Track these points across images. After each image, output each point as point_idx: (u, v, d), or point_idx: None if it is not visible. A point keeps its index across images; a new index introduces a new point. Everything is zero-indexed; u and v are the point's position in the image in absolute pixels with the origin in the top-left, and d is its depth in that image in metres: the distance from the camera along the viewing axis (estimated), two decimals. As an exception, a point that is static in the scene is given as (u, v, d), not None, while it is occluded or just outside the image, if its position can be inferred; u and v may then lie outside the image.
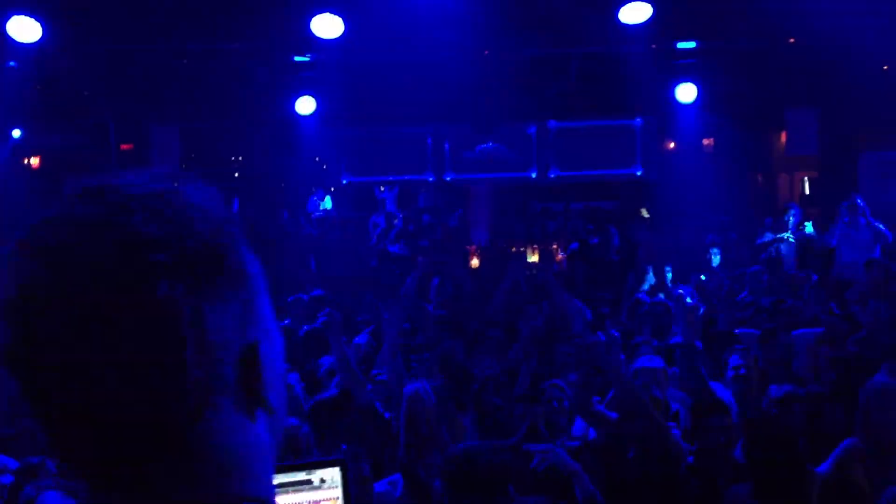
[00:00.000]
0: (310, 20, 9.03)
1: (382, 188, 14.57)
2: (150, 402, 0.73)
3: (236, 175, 14.78)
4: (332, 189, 14.22)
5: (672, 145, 15.24)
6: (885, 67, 10.80)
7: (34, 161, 13.10)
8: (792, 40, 10.24)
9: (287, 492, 2.15)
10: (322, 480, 2.19)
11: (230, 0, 9.14)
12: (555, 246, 12.85)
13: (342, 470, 2.20)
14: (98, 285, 0.72)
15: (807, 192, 15.15)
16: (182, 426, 0.75)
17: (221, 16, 9.20)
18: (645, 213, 13.84)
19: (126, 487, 0.76)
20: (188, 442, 0.76)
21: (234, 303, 0.78)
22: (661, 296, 8.45)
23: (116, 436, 0.73)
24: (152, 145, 11.71)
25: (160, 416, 0.74)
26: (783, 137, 13.54)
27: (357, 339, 6.87)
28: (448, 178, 13.84)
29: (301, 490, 2.18)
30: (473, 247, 12.98)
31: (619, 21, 9.19)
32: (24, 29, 8.55)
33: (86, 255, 0.72)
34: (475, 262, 12.41)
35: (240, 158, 15.08)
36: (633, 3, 9.03)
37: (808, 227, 10.63)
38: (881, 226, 9.33)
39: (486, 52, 10.52)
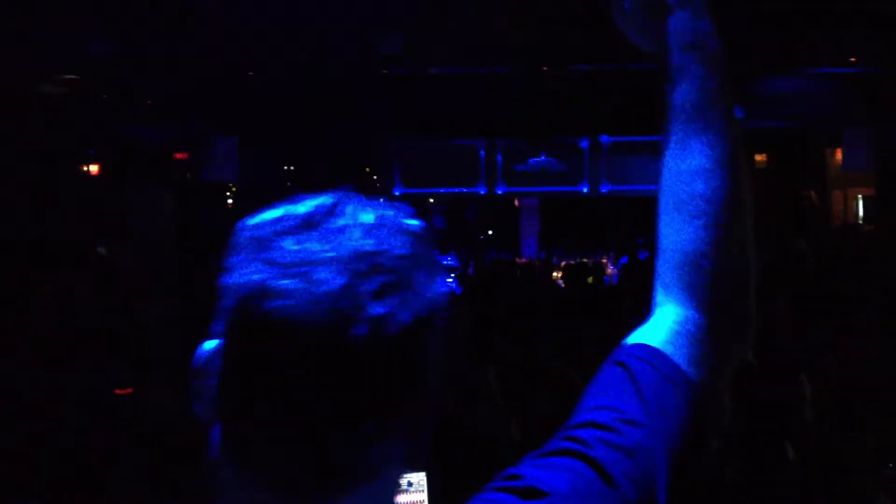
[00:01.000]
0: (371, 34, 9.18)
1: (432, 200, 14.70)
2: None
3: (288, 184, 15.00)
4: (384, 200, 14.33)
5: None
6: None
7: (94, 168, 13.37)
8: (853, 59, 10.18)
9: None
10: (409, 483, 2.27)
11: (287, 16, 9.30)
12: (604, 259, 12.86)
13: (427, 475, 2.28)
14: None
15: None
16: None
17: (280, 30, 9.38)
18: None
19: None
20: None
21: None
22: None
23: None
24: (212, 154, 11.92)
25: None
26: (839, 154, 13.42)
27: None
28: (500, 192, 13.92)
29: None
30: (523, 260, 13.04)
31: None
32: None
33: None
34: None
35: (292, 168, 15.30)
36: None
37: None
38: None
39: (545, 69, 10.59)
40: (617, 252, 12.86)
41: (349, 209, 0.83)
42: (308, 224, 0.81)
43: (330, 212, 0.83)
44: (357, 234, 0.80)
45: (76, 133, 10.66)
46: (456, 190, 14.12)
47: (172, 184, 12.07)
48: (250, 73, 10.46)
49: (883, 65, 9.98)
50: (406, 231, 0.83)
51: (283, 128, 12.28)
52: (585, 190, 13.81)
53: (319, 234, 0.80)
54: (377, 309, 0.76)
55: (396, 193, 14.14)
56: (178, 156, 12.65)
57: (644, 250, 12.24)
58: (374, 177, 15.40)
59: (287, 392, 0.76)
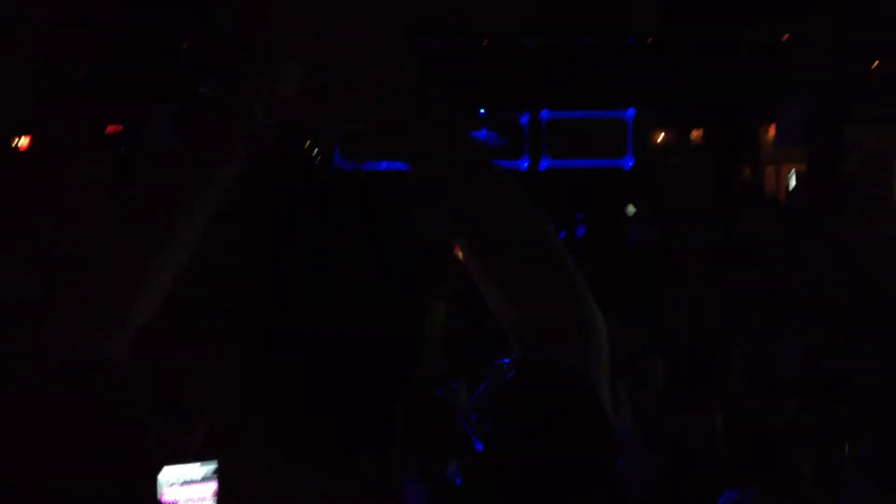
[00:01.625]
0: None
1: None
2: None
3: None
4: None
5: (661, 137, 15.34)
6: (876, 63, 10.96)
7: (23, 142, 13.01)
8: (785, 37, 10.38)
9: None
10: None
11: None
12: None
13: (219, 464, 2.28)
14: None
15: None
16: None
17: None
18: (631, 209, 13.94)
19: None
20: None
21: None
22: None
23: None
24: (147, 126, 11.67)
25: None
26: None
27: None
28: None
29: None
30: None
31: (613, 12, 9.29)
32: None
33: None
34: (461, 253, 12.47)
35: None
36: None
37: None
38: None
39: (485, 42, 10.59)
40: (556, 227, 12.95)
41: None
42: None
43: None
44: None
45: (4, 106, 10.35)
46: (395, 164, 14.03)
47: (105, 157, 11.79)
48: (185, 46, 10.28)
49: (816, 40, 10.19)
50: None
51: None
52: (525, 165, 13.86)
53: None
54: None
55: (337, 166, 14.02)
56: (112, 128, 12.36)
57: (583, 225, 12.39)
58: (315, 149, 15.22)
59: None
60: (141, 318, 0.93)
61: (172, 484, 2.31)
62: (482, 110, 12.28)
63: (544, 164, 13.80)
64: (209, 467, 2.31)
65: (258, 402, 0.75)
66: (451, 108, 1.00)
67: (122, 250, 0.92)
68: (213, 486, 2.07)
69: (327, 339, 0.74)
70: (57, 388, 0.83)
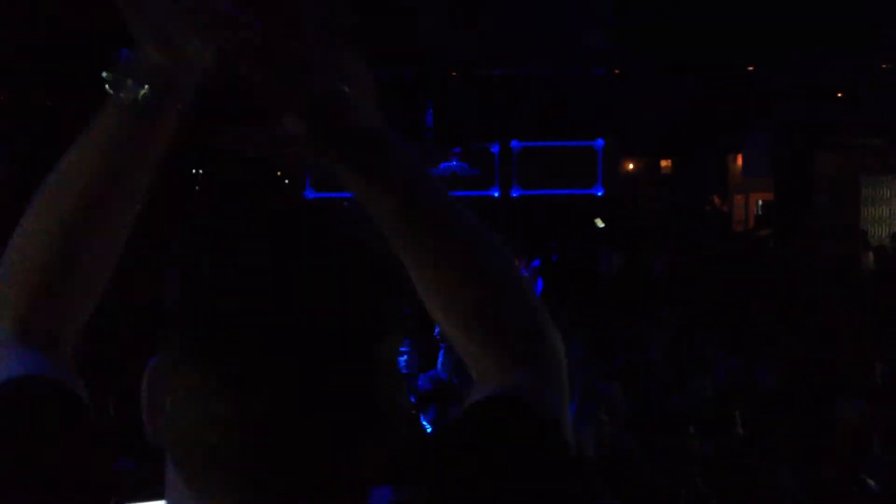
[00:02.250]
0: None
1: (346, 204, 14.61)
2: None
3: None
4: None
5: (631, 166, 15.50)
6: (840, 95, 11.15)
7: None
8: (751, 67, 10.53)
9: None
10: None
11: None
12: (517, 263, 12.98)
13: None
14: None
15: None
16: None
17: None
18: (600, 223, 14.05)
19: None
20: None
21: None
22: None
23: None
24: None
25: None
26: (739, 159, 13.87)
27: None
28: (411, 195, 13.90)
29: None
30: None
31: (582, 43, 9.39)
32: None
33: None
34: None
35: (200, 171, 14.98)
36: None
37: None
38: None
39: (453, 73, 10.66)
40: (529, 255, 12.98)
41: None
42: None
43: None
44: None
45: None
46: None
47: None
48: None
49: (782, 71, 10.35)
50: None
51: (192, 130, 11.98)
52: (496, 194, 13.92)
53: None
54: None
55: (308, 198, 13.96)
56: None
57: (555, 253, 12.45)
58: (285, 180, 15.20)
59: None
60: (70, 301, 0.93)
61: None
62: (457, 149, 12.36)
63: (515, 192, 13.87)
64: None
65: (218, 438, 0.72)
66: (392, 126, 0.95)
67: (41, 219, 0.91)
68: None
69: (286, 371, 0.72)
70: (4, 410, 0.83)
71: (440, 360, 6.01)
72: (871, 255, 12.91)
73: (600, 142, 13.78)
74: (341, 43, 0.90)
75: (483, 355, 0.94)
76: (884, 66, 10.29)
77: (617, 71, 10.97)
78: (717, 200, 14.97)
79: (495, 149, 13.76)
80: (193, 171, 14.37)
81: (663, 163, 16.20)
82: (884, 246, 12.84)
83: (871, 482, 3.91)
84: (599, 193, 13.92)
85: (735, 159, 14.71)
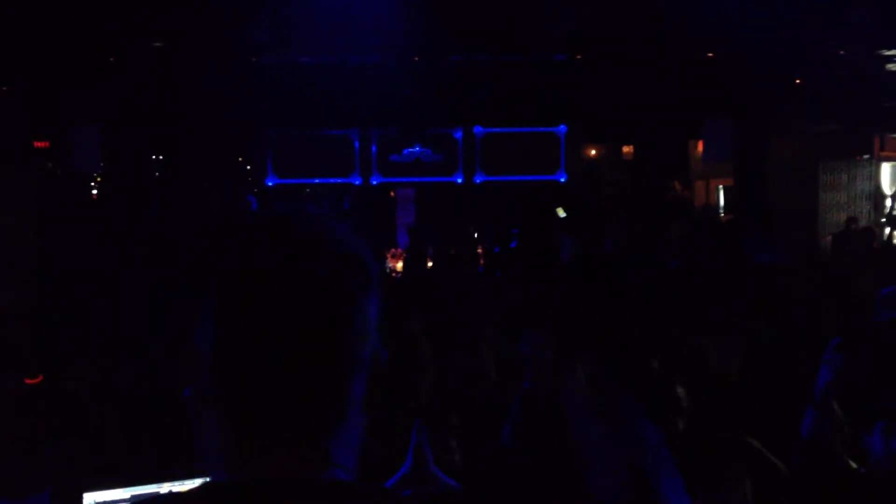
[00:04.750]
0: (242, 21, 8.99)
1: (308, 190, 14.54)
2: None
3: (157, 175, 14.53)
4: (256, 191, 14.12)
5: (594, 152, 15.58)
6: (798, 81, 11.28)
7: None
8: (711, 54, 10.62)
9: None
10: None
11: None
12: (479, 249, 13.01)
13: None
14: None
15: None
16: (336, 388, 0.98)
17: (144, 13, 9.07)
18: (561, 212, 14.12)
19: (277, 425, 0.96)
20: (336, 404, 0.99)
21: (374, 302, 1.03)
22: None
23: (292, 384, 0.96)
24: (73, 143, 11.41)
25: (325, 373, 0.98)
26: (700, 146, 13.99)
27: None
28: (375, 182, 13.89)
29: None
30: (399, 250, 13.05)
31: (545, 29, 9.41)
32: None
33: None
34: (398, 266, 12.48)
35: (160, 158, 14.82)
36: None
37: None
38: None
39: (416, 59, 10.62)
40: (490, 242, 13.03)
41: None
42: None
43: None
44: None
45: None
46: (331, 181, 14.00)
47: (32, 173, 11.49)
48: (112, 59, 10.10)
49: (739, 58, 10.44)
50: None
51: (150, 117, 11.87)
52: (460, 180, 13.94)
53: None
54: None
55: (269, 184, 13.91)
56: (38, 144, 12.06)
57: (515, 240, 12.49)
58: (248, 167, 15.10)
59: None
60: None
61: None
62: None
63: (478, 178, 13.90)
64: (137, 491, 2.25)
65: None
66: None
67: None
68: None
69: (261, 359, 0.85)
70: None
71: None
72: (828, 239, 13.13)
73: (563, 128, 13.84)
74: None
75: None
76: (841, 52, 10.43)
77: (579, 57, 11.01)
78: (678, 186, 15.10)
79: (458, 135, 13.78)
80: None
81: (625, 149, 16.32)
82: (842, 231, 13.05)
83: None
84: (562, 179, 13.99)
85: (696, 146, 14.84)
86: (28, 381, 4.44)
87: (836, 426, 2.88)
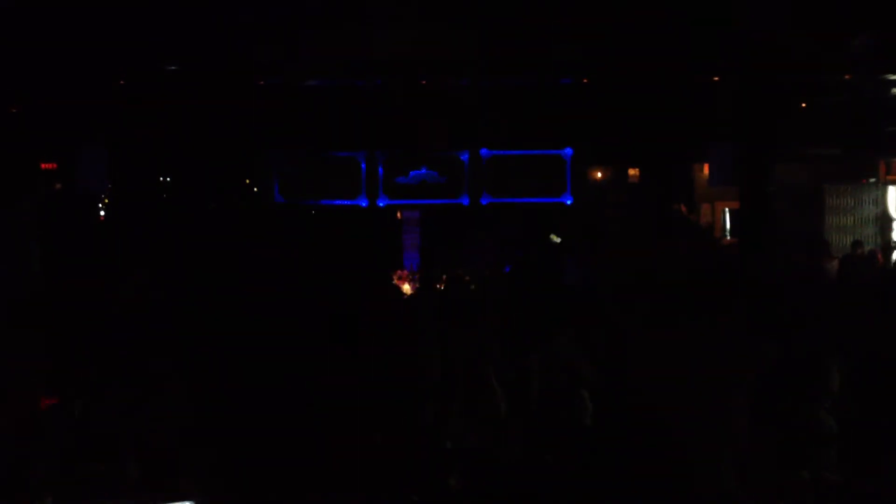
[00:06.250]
0: (248, 45, 9.05)
1: (314, 213, 14.57)
2: None
3: (164, 196, 14.59)
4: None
5: (599, 175, 15.60)
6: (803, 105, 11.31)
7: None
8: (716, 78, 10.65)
9: None
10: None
11: (169, 24, 9.09)
12: (488, 272, 13.01)
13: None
14: None
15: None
16: None
17: (153, 36, 9.14)
18: (555, 238, 14.14)
19: None
20: None
21: None
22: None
23: None
24: (80, 165, 11.45)
25: None
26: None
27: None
28: (382, 204, 13.91)
29: None
30: (405, 272, 13.05)
31: (553, 53, 9.46)
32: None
33: None
34: (406, 288, 12.47)
35: (168, 179, 14.89)
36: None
37: None
38: None
39: (423, 82, 10.67)
40: (499, 263, 13.04)
41: None
42: None
43: None
44: None
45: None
46: (337, 202, 14.03)
47: (38, 194, 11.55)
48: (122, 82, 10.16)
49: (746, 81, 10.48)
50: None
51: (159, 137, 11.93)
52: (466, 202, 13.96)
53: None
54: None
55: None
56: (46, 166, 12.13)
57: (508, 265, 12.53)
58: (255, 189, 15.13)
59: None
60: None
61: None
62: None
63: (485, 200, 13.91)
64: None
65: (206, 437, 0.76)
66: None
67: None
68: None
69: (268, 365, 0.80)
70: None
71: None
72: (835, 263, 13.09)
73: (569, 150, 13.87)
74: None
75: None
76: (846, 77, 10.45)
77: (585, 80, 11.05)
78: (683, 209, 15.10)
79: (465, 157, 13.81)
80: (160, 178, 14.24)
81: (630, 171, 16.33)
82: (848, 255, 13.01)
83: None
84: (569, 202, 14.00)
85: (702, 169, 14.85)
86: (45, 402, 4.47)
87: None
